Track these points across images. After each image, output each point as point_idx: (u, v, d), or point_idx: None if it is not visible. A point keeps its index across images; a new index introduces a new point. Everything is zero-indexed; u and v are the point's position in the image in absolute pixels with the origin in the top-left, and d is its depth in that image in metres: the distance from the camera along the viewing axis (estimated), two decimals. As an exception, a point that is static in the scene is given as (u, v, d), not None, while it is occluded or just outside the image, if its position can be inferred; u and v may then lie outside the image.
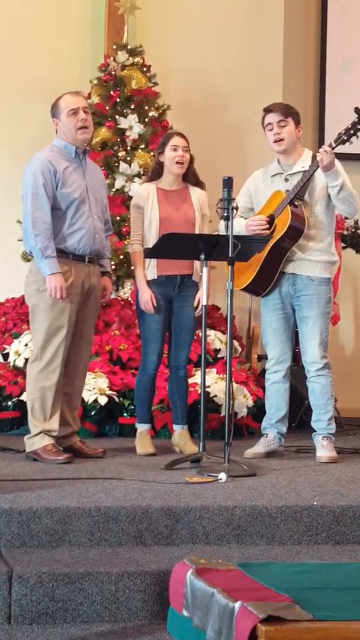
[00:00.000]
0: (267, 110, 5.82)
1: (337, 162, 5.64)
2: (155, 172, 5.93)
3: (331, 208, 5.83)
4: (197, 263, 5.83)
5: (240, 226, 5.70)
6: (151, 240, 5.78)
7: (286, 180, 5.82)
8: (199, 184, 5.95)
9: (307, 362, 5.82)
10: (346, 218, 7.57)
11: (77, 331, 5.66)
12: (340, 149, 5.66)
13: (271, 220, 5.75)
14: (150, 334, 5.86)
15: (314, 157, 5.77)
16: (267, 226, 5.73)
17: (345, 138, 5.63)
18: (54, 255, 5.51)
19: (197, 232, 5.81)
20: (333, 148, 5.60)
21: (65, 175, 5.59)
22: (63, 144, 5.68)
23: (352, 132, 5.62)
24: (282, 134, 5.76)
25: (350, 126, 5.61)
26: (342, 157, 5.76)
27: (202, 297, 5.67)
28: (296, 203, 5.71)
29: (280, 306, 5.84)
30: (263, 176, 5.93)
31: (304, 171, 5.74)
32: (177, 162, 5.81)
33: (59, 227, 5.57)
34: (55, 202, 5.56)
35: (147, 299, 5.78)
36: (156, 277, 5.83)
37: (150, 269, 5.83)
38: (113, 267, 7.26)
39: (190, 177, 5.92)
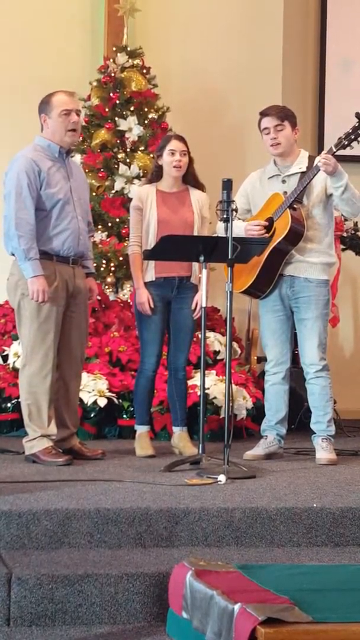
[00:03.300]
0: (263, 114, 5.81)
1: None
2: (155, 174, 5.93)
3: (329, 209, 5.83)
4: (195, 265, 5.84)
5: (239, 229, 5.69)
6: (149, 242, 5.77)
7: (283, 181, 5.82)
8: (198, 185, 5.95)
9: (306, 364, 5.82)
10: (345, 220, 7.57)
11: (66, 334, 5.61)
12: (339, 151, 5.65)
13: (270, 223, 5.75)
14: (149, 336, 5.86)
15: (310, 158, 5.78)
16: (265, 230, 5.73)
17: (345, 143, 5.62)
18: (37, 257, 5.44)
19: (195, 234, 5.80)
20: (333, 153, 5.59)
21: (50, 175, 5.51)
22: (46, 143, 5.59)
23: (352, 136, 5.60)
24: (279, 138, 5.75)
25: (350, 131, 5.60)
26: (339, 159, 5.74)
27: (200, 299, 5.67)
28: (295, 206, 5.71)
29: (278, 308, 5.84)
30: (260, 178, 5.93)
31: (302, 172, 5.75)
32: (174, 167, 5.81)
33: (43, 228, 5.49)
34: (39, 202, 5.47)
35: (143, 300, 5.77)
36: (154, 279, 5.83)
37: (148, 271, 5.83)
38: (113, 268, 7.27)
39: (189, 179, 5.92)
